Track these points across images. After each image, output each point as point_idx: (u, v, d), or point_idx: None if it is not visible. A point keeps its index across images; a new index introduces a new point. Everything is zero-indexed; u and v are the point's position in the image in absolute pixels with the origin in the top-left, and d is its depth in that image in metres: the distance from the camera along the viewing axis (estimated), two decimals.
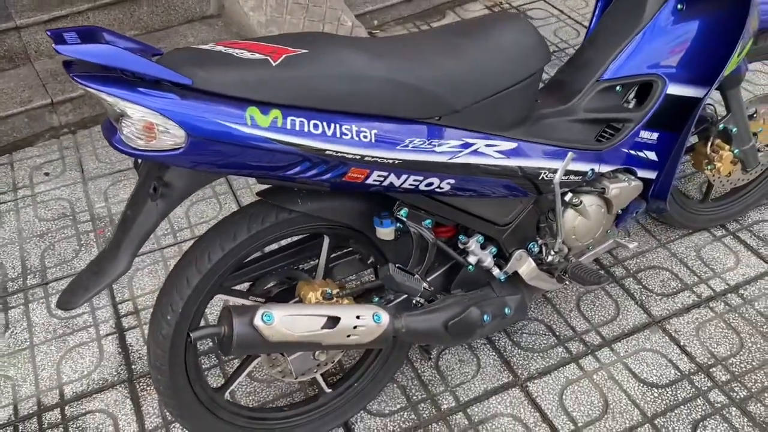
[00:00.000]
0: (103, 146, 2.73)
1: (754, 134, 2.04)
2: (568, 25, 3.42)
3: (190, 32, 3.14)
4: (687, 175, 2.47)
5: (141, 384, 1.87)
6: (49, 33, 1.11)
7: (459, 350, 1.92)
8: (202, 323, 1.58)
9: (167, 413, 1.78)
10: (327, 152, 1.22)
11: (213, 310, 2.02)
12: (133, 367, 1.91)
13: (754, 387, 1.80)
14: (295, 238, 1.60)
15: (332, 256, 1.61)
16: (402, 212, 1.43)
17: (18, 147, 2.73)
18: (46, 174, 2.60)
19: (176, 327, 1.37)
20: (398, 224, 1.45)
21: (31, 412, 1.81)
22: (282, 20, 3.01)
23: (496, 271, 1.63)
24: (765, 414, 1.74)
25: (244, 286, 1.57)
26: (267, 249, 1.58)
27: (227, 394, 1.61)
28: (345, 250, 1.68)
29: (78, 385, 1.87)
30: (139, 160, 1.31)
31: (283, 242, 1.57)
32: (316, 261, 1.59)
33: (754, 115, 2.05)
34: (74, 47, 1.04)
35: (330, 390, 1.71)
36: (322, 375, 1.66)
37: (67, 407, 1.82)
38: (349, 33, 3.05)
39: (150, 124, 1.11)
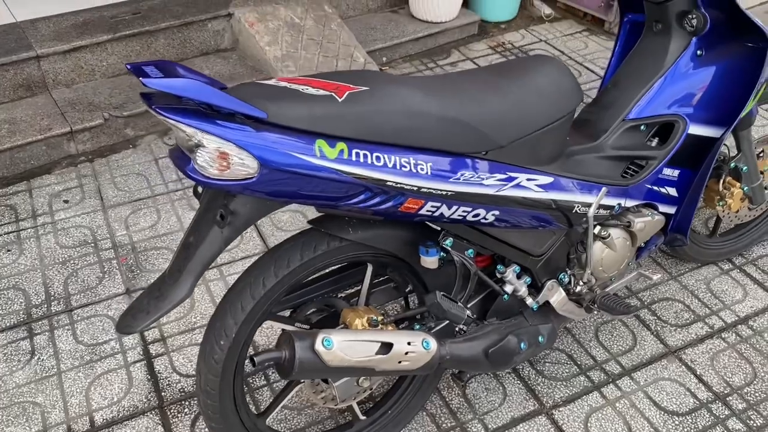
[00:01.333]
0: (121, 174, 2.76)
1: (762, 173, 2.15)
2: (569, 65, 3.56)
3: (205, 65, 3.21)
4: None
5: (171, 411, 1.88)
6: (128, 67, 1.16)
7: (485, 379, 1.97)
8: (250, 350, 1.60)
9: None
10: (388, 183, 1.28)
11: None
12: (162, 394, 1.93)
13: None
14: (336, 266, 1.64)
15: (372, 284, 1.66)
16: (447, 242, 1.49)
17: (36, 174, 2.75)
18: (66, 201, 2.62)
19: (229, 352, 1.41)
20: (442, 253, 1.50)
21: None
22: (297, 55, 3.10)
23: (529, 301, 1.69)
24: None
25: (286, 313, 1.61)
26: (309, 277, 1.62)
27: (268, 420, 1.63)
28: (381, 278, 1.72)
29: (108, 411, 1.88)
30: (199, 189, 1.36)
31: (324, 270, 1.61)
32: (355, 288, 1.63)
33: (761, 155, 2.16)
34: (160, 81, 1.09)
35: (364, 417, 1.74)
36: (357, 402, 1.70)
37: None
38: (362, 69, 3.14)
39: (224, 154, 1.16)
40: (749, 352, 2.05)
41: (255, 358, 1.31)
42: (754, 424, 1.85)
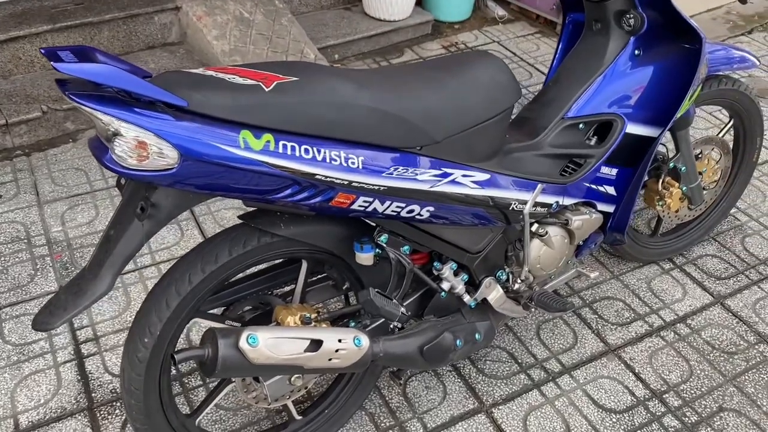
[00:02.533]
0: (59, 169, 2.67)
1: (700, 173, 2.18)
2: (521, 66, 3.58)
3: (151, 59, 3.13)
4: (637, 211, 2.60)
5: (101, 412, 1.81)
6: (42, 51, 1.11)
7: (426, 377, 1.95)
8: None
9: None
10: (317, 176, 1.25)
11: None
12: (93, 395, 1.86)
13: (704, 412, 1.90)
14: (271, 263, 1.61)
15: (307, 281, 1.63)
16: (382, 238, 1.47)
17: None
18: None
19: (153, 350, 1.36)
20: (377, 250, 1.48)
21: None
22: (245, 50, 3.04)
23: (466, 298, 1.68)
24: None
25: (218, 310, 1.57)
26: (242, 274, 1.58)
27: (197, 421, 1.58)
28: (319, 276, 1.69)
29: (34, 413, 1.80)
30: (122, 180, 1.31)
31: (258, 267, 1.58)
32: (291, 287, 1.60)
33: (700, 156, 2.20)
34: (74, 66, 1.04)
35: (300, 417, 1.71)
36: (292, 402, 1.66)
37: None
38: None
39: (143, 143, 1.12)
40: (686, 351, 2.08)
41: (176, 356, 1.27)
42: (689, 421, 1.87)
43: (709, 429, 1.85)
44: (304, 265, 1.53)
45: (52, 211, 2.47)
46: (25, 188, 2.57)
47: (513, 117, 1.84)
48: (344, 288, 1.66)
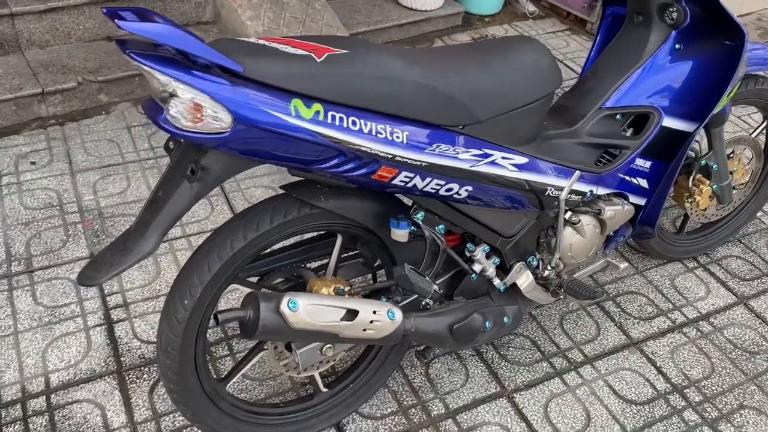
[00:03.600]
0: (92, 140, 2.71)
1: (731, 173, 2.19)
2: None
3: None
4: (664, 207, 2.60)
5: (130, 376, 1.85)
6: (104, 11, 1.14)
7: (448, 360, 1.97)
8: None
9: (158, 405, 1.76)
10: (362, 149, 1.27)
11: None
12: (122, 359, 1.89)
13: (724, 408, 1.91)
14: (305, 236, 1.63)
15: (340, 257, 1.65)
16: (419, 215, 1.48)
17: (3, 134, 2.68)
18: (33, 163, 2.56)
19: (192, 312, 1.38)
20: (413, 227, 1.50)
21: (15, 398, 1.77)
22: (279, 32, 3.06)
23: (496, 281, 1.70)
24: None
25: (253, 279, 1.59)
26: (279, 245, 1.61)
27: (229, 388, 1.61)
28: (350, 253, 1.72)
29: (65, 374, 1.84)
30: (171, 143, 1.33)
31: (294, 239, 1.60)
32: (323, 261, 1.62)
33: (731, 155, 2.20)
34: (136, 24, 1.06)
35: (326, 389, 1.73)
36: (319, 374, 1.69)
37: (53, 395, 1.78)
38: None
39: (199, 106, 1.14)
40: (708, 348, 2.09)
41: (219, 316, 1.29)
42: (709, 416, 1.88)
43: (728, 425, 1.86)
44: (339, 239, 1.55)
45: (84, 180, 2.50)
46: (59, 156, 2.60)
47: (551, 105, 1.86)
48: (375, 266, 1.68)
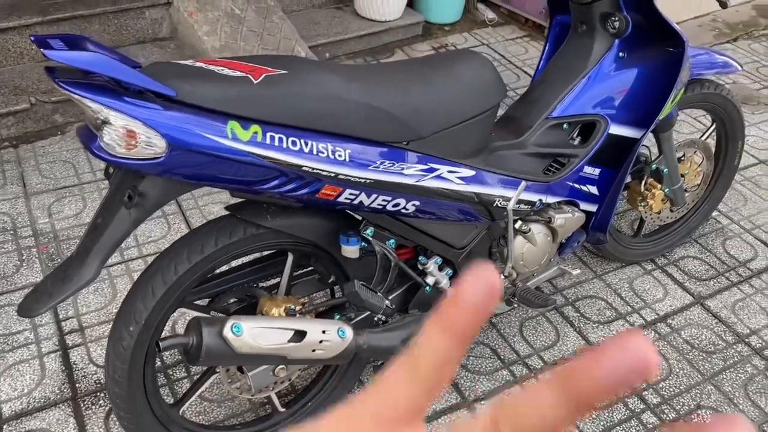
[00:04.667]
0: (46, 161, 2.67)
1: (682, 176, 2.22)
2: (509, 69, 3.61)
3: (141, 53, 3.14)
4: (619, 212, 2.64)
5: (85, 402, 1.82)
6: (32, 38, 1.13)
7: None
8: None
9: (114, 431, 1.74)
10: (303, 168, 1.27)
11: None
12: (77, 385, 1.86)
13: (682, 409, 1.93)
14: (256, 256, 1.62)
15: (293, 274, 1.65)
16: (368, 231, 1.49)
17: None
18: None
19: (138, 338, 1.37)
20: (363, 243, 1.50)
21: None
22: (236, 46, 3.06)
23: None
24: None
25: (204, 302, 1.58)
26: (228, 265, 1.60)
27: (181, 411, 1.59)
28: (305, 270, 1.71)
29: (17, 403, 1.80)
30: (111, 169, 1.32)
31: (245, 259, 1.59)
32: (276, 279, 1.61)
33: (682, 158, 2.23)
34: (64, 53, 1.06)
35: (284, 409, 1.72)
36: (276, 394, 1.67)
37: (5, 426, 1.75)
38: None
39: (132, 132, 1.13)
40: (666, 349, 2.11)
41: (161, 343, 1.28)
42: (667, 417, 1.90)
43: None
44: (290, 257, 1.55)
45: (39, 203, 2.46)
46: (12, 180, 2.56)
47: (499, 116, 1.87)
48: (329, 282, 1.68)
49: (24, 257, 2.24)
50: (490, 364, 2.02)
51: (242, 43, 3.08)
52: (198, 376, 1.65)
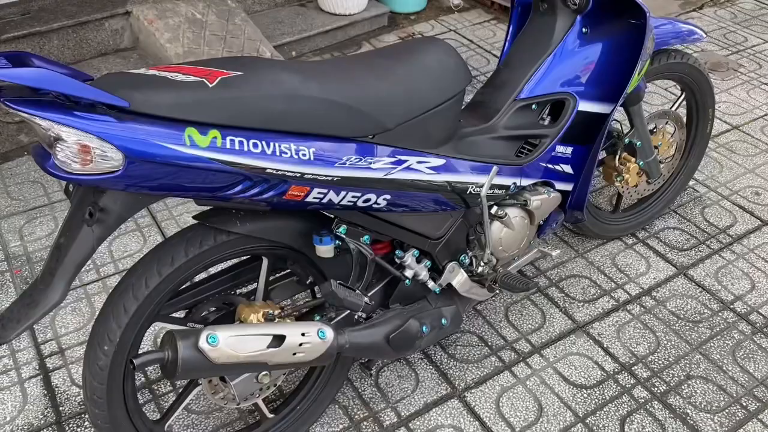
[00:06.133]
0: (15, 183, 2.62)
1: (655, 147, 2.22)
2: (478, 53, 3.60)
3: (104, 65, 3.08)
4: (597, 188, 2.63)
5: (70, 426, 1.78)
6: None
7: (397, 366, 1.96)
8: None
9: None
10: (268, 170, 1.24)
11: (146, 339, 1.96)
12: (60, 408, 1.82)
13: (672, 381, 1.93)
14: (231, 262, 1.59)
15: (270, 278, 1.62)
16: (341, 229, 1.46)
17: None
18: None
19: (114, 357, 1.34)
20: (337, 241, 1.47)
21: None
22: (200, 51, 3.01)
23: (431, 284, 1.69)
24: (684, 405, 1.86)
25: (181, 314, 1.55)
26: (204, 275, 1.57)
27: (167, 427, 1.56)
28: (282, 273, 1.68)
29: None
30: (71, 187, 1.28)
31: (220, 267, 1.56)
32: (254, 285, 1.59)
33: (654, 130, 2.23)
34: (7, 71, 1.02)
35: (272, 415, 1.70)
36: (263, 401, 1.65)
37: None
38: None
39: (86, 147, 1.10)
40: (653, 322, 2.11)
41: (134, 361, 1.25)
42: (658, 391, 1.90)
43: (677, 397, 1.88)
44: (265, 261, 1.52)
45: (10, 226, 2.41)
46: None
47: (467, 101, 1.86)
48: (308, 283, 1.66)
49: None
50: (478, 352, 2.01)
51: (206, 48, 3.03)
52: (181, 390, 1.61)
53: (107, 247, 2.33)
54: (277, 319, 1.45)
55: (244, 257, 1.56)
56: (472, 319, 2.10)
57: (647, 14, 1.76)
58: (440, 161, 1.54)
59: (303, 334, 1.36)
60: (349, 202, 1.40)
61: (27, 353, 1.97)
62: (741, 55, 3.58)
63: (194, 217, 1.41)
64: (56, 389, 1.88)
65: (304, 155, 1.29)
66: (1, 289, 2.17)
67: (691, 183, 2.65)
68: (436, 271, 1.71)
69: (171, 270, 1.34)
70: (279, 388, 1.88)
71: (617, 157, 2.12)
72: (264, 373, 1.47)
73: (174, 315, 1.51)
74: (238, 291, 1.62)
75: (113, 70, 2.99)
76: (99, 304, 2.12)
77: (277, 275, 1.68)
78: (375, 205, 1.45)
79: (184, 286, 1.49)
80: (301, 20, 3.58)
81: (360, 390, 1.89)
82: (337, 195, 1.37)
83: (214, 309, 1.58)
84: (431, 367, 1.96)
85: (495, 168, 1.61)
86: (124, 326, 1.33)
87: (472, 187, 1.61)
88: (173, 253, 1.35)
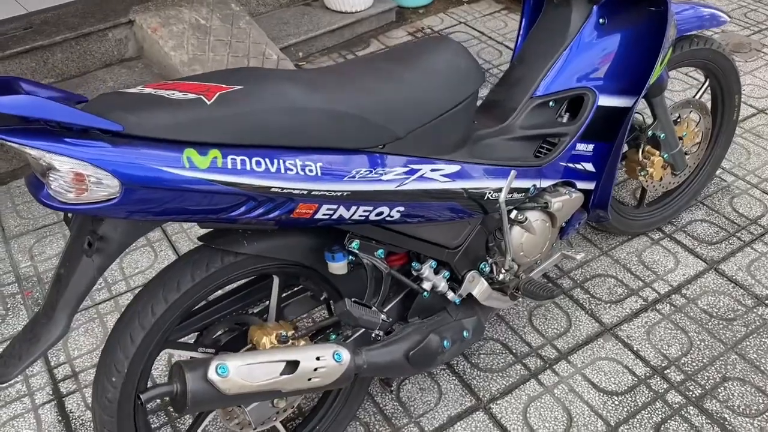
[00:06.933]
0: (23, 202, 2.58)
1: (680, 138, 2.12)
2: (490, 45, 3.50)
3: (109, 76, 3.03)
4: (619, 182, 2.54)
5: None
6: None
7: (419, 379, 1.89)
8: (150, 383, 1.48)
9: None
10: (272, 189, 1.17)
11: (159, 365, 1.92)
12: None
13: (707, 384, 1.84)
14: (242, 281, 1.53)
15: (283, 296, 1.56)
16: (353, 244, 1.39)
17: None
18: None
19: (123, 389, 1.28)
20: (350, 257, 1.41)
21: None
22: (205, 58, 2.95)
23: (450, 295, 1.61)
24: (721, 410, 1.77)
25: (192, 337, 1.49)
26: (212, 295, 1.51)
27: None
28: (295, 289, 1.62)
29: None
30: (70, 215, 1.23)
31: (229, 287, 1.50)
32: (266, 303, 1.53)
33: (678, 120, 2.13)
34: None
35: None
36: (281, 422, 1.59)
37: None
38: (276, 66, 3.02)
39: (80, 175, 1.04)
40: (684, 322, 2.02)
41: (142, 396, 1.19)
42: (693, 395, 1.81)
43: (714, 401, 1.80)
44: (276, 280, 1.46)
45: (20, 246, 2.38)
46: None
47: (481, 101, 1.77)
48: (323, 298, 1.59)
49: (9, 305, 2.16)
50: (502, 360, 1.93)
51: (211, 54, 2.97)
52: (195, 416, 1.56)
53: (118, 264, 2.29)
54: (291, 341, 1.39)
55: (254, 277, 1.50)
56: (495, 326, 2.03)
57: (668, 0, 1.66)
58: (455, 168, 1.46)
59: (318, 359, 1.30)
60: (360, 216, 1.33)
61: (40, 378, 1.93)
62: (764, 34, 3.45)
63: (199, 239, 1.35)
64: (71, 414, 1.83)
65: (310, 171, 1.22)
66: (13, 312, 2.13)
67: (718, 172, 2.55)
68: (455, 281, 1.63)
69: (178, 296, 1.29)
70: (298, 406, 1.82)
71: (640, 150, 2.03)
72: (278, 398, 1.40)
73: (183, 340, 1.45)
74: (251, 310, 1.56)
75: (120, 81, 2.96)
76: (111, 324, 2.07)
77: (291, 291, 1.62)
78: (388, 218, 1.38)
79: (194, 309, 1.44)
80: (306, 20, 3.51)
81: (381, 405, 1.82)
82: (348, 210, 1.30)
83: (226, 330, 1.52)
84: (454, 378, 1.89)
85: (513, 172, 1.53)
86: (132, 356, 1.27)
87: (489, 193, 1.53)
88: (179, 277, 1.29)
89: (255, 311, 1.57)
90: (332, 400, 1.67)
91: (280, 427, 1.59)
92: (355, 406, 1.71)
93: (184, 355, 1.40)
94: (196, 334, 1.49)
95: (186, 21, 3.05)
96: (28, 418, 1.83)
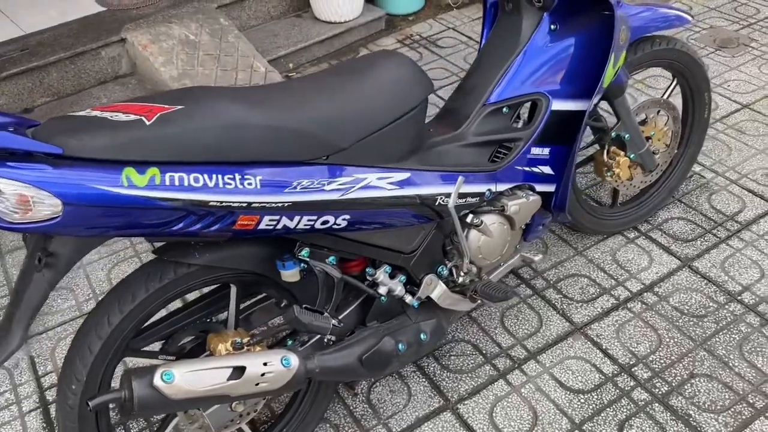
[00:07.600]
0: None
1: (648, 138, 2.14)
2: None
3: (104, 93, 3.13)
4: (596, 183, 2.55)
5: None
6: None
7: (390, 381, 1.93)
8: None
9: None
10: (210, 203, 1.23)
11: None
12: None
13: (674, 381, 1.86)
14: (206, 290, 1.59)
15: (247, 303, 1.62)
16: (303, 252, 1.45)
17: None
18: None
19: (82, 396, 1.35)
20: (302, 264, 1.46)
21: None
22: (194, 72, 3.03)
23: (408, 299, 1.66)
24: (686, 406, 1.79)
25: (157, 345, 1.56)
26: (176, 305, 1.57)
27: None
28: (259, 297, 1.68)
29: None
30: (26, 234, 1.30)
31: (191, 296, 1.57)
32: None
33: (647, 120, 2.15)
34: None
35: None
36: (253, 424, 1.65)
37: None
38: (263, 78, 3.09)
39: (23, 196, 1.11)
40: (654, 319, 2.04)
41: (90, 402, 1.25)
42: (659, 392, 1.83)
43: (680, 397, 1.81)
44: (233, 289, 1.52)
45: (15, 260, 2.47)
46: None
47: (439, 109, 1.82)
48: (283, 305, 1.64)
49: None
50: (472, 361, 1.97)
51: (200, 68, 3.06)
52: (160, 421, 1.62)
53: (106, 275, 2.37)
54: (246, 348, 1.44)
55: (215, 285, 1.56)
56: (466, 327, 2.07)
57: (614, 5, 1.69)
58: (404, 175, 1.51)
59: (265, 364, 1.35)
60: (305, 225, 1.38)
61: (28, 386, 2.02)
62: (753, 28, 3.44)
63: (154, 252, 1.41)
64: (55, 422, 1.91)
65: (249, 184, 1.27)
66: None
67: (697, 169, 2.56)
68: (414, 285, 1.68)
69: (132, 306, 1.35)
70: (270, 409, 1.88)
71: (605, 151, 2.06)
72: (236, 402, 1.46)
73: (147, 348, 1.51)
74: (216, 319, 1.62)
75: (113, 97, 3.05)
76: None
77: (255, 299, 1.68)
78: (335, 226, 1.43)
79: (157, 318, 1.50)
80: (296, 31, 3.58)
81: (351, 407, 1.87)
82: (291, 220, 1.35)
83: (190, 338, 1.58)
84: (424, 379, 1.93)
85: (461, 178, 1.57)
86: (90, 365, 1.34)
87: (440, 199, 1.57)
88: (134, 289, 1.36)
89: (221, 320, 1.63)
90: (298, 403, 1.73)
91: (246, 429, 1.65)
92: (322, 408, 1.76)
93: (145, 362, 1.47)
94: (162, 342, 1.56)
95: (176, 37, 3.14)
96: (15, 426, 1.91)
